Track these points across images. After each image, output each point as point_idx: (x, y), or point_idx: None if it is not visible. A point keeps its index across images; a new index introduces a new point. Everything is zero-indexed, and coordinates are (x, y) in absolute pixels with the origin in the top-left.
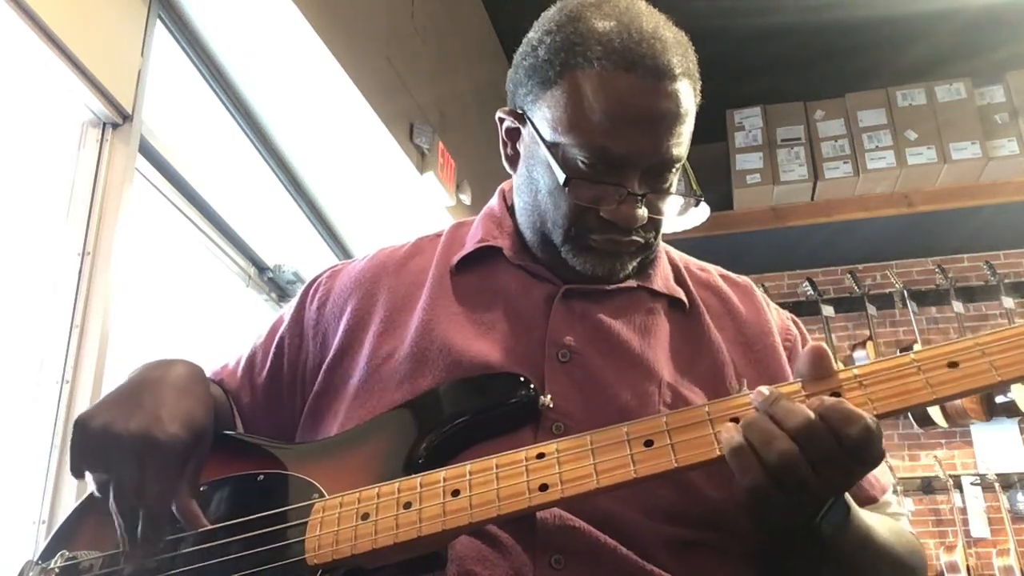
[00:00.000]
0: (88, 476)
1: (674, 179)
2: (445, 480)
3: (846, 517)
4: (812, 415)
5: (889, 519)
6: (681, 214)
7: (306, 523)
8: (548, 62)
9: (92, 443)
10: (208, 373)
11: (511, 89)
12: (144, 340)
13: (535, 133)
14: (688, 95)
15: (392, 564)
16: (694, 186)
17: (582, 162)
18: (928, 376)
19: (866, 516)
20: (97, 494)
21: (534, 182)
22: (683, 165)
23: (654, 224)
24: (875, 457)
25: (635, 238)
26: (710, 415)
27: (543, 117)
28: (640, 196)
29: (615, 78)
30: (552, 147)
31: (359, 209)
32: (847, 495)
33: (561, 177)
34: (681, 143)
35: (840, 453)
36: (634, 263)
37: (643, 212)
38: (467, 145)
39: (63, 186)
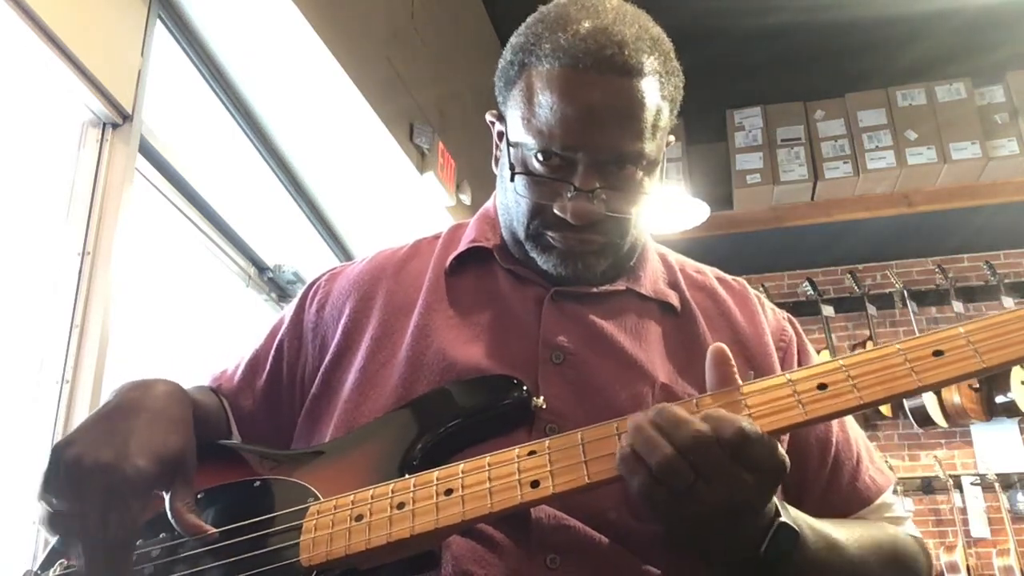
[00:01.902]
0: (43, 506)
1: (644, 177)
2: (438, 480)
3: (795, 544)
4: (696, 423)
5: (876, 530)
6: (655, 212)
7: (301, 526)
8: (510, 63)
9: (64, 475)
10: (207, 378)
11: (495, 92)
12: (144, 340)
13: (505, 133)
14: (648, 91)
15: (386, 564)
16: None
17: (537, 159)
18: (914, 364)
19: (836, 535)
20: (49, 525)
21: (503, 181)
22: (654, 162)
23: (617, 222)
24: (760, 462)
25: (594, 236)
26: (699, 409)
27: (510, 117)
28: (590, 192)
29: (561, 74)
30: (513, 146)
31: (359, 209)
32: (797, 521)
33: (509, 174)
34: (639, 139)
35: (724, 458)
36: (604, 263)
37: (596, 208)
38: (467, 145)
39: (63, 186)
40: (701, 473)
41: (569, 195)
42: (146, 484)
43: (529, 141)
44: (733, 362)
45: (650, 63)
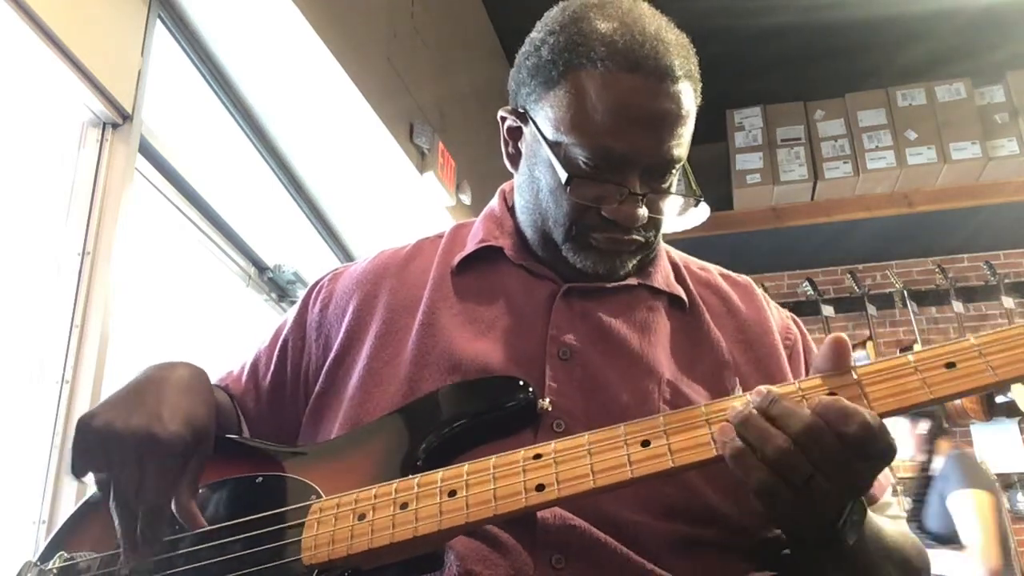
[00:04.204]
0: (90, 476)
1: (674, 179)
2: (442, 480)
3: (863, 521)
4: (810, 415)
5: (891, 520)
6: (681, 214)
7: (303, 523)
8: (551, 62)
9: (94, 441)
10: (213, 381)
11: (513, 88)
12: (144, 340)
13: (537, 132)
14: (689, 97)
15: (389, 565)
16: (693, 186)
17: (584, 161)
18: (925, 376)
19: (875, 518)
20: (99, 492)
21: (536, 181)
22: (683, 165)
23: (654, 223)
24: (880, 452)
25: (635, 237)
26: (707, 416)
27: (546, 116)
28: (641, 196)
29: (618, 78)
30: (554, 146)
31: (359, 209)
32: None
33: (563, 176)
34: (682, 144)
35: (842, 451)
36: (634, 261)
37: (644, 211)
38: (467, 145)
39: (63, 186)
40: (819, 467)
41: (619, 198)
42: (181, 448)
43: (575, 141)
44: (851, 356)
45: (689, 69)
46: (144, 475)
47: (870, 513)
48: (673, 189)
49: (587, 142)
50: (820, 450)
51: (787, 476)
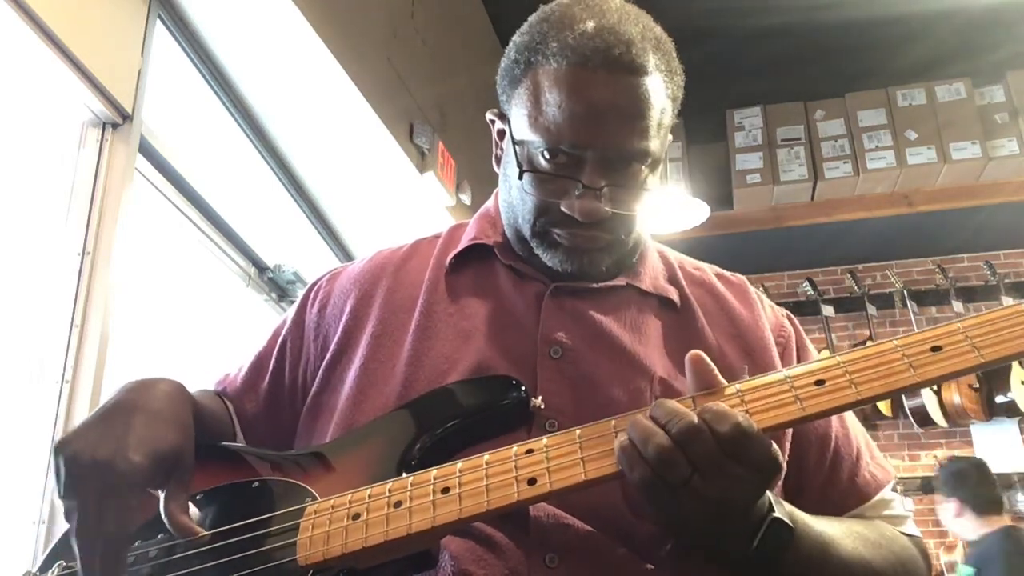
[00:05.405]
0: (60, 503)
1: (648, 175)
2: (435, 478)
3: (789, 541)
4: (692, 415)
5: (874, 531)
6: (653, 210)
7: (298, 525)
8: (515, 62)
9: (63, 472)
10: (211, 384)
11: (497, 91)
12: (144, 340)
13: (509, 132)
14: (655, 89)
15: (384, 564)
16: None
17: (544, 157)
18: (912, 360)
19: (832, 533)
20: (66, 521)
21: (508, 179)
22: (654, 159)
23: (621, 220)
24: (755, 460)
25: (600, 233)
26: (696, 406)
27: (514, 116)
28: (597, 190)
29: (568, 73)
30: (519, 144)
31: (359, 209)
32: (793, 517)
33: (517, 171)
34: (646, 137)
35: (718, 452)
36: (609, 260)
37: (602, 206)
38: (467, 145)
39: (63, 186)
40: (697, 466)
41: (576, 193)
42: (141, 480)
43: (536, 139)
44: (713, 366)
45: (655, 62)
46: (103, 510)
47: (816, 531)
48: (649, 185)
49: (543, 137)
50: (697, 449)
51: (665, 475)
